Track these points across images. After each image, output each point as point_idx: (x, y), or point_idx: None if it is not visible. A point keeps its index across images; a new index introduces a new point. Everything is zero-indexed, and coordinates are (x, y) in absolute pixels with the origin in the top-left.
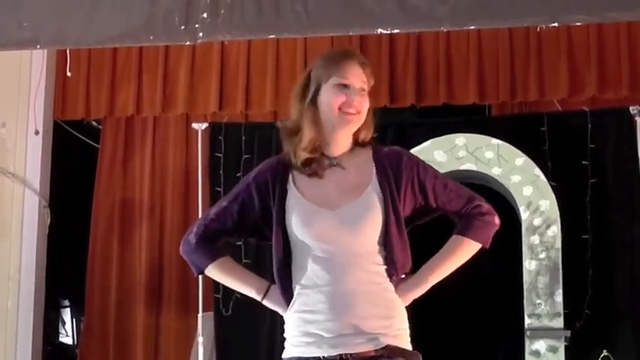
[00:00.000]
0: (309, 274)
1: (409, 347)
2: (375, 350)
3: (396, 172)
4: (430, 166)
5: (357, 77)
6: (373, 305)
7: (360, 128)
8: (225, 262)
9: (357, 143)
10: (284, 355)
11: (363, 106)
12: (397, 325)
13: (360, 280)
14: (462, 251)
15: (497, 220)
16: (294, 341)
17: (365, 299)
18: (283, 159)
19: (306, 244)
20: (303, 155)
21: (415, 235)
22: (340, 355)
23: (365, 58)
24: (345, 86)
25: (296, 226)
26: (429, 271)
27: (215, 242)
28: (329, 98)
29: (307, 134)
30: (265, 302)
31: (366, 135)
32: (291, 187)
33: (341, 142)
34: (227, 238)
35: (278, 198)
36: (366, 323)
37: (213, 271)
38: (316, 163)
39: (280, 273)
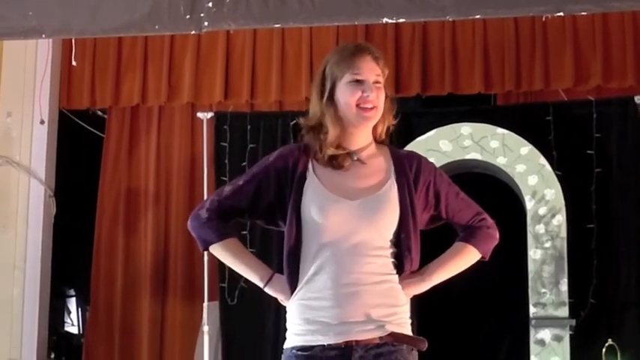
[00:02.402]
0: (318, 262)
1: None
2: (380, 338)
3: (414, 174)
4: (444, 174)
5: (371, 71)
6: (379, 295)
7: (377, 122)
8: (233, 243)
9: (375, 139)
10: (286, 345)
11: (379, 100)
12: (401, 315)
13: (368, 270)
14: (465, 258)
15: (498, 235)
16: (297, 330)
17: (371, 289)
18: (304, 147)
19: (319, 231)
20: (330, 152)
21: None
22: (345, 342)
23: (378, 50)
24: (360, 82)
25: (312, 212)
26: (434, 271)
27: (226, 220)
28: (345, 96)
29: (332, 132)
30: (267, 289)
31: (383, 128)
32: (310, 174)
33: (361, 137)
34: (238, 218)
35: (296, 183)
36: (372, 311)
37: (220, 250)
38: (341, 158)
39: (290, 258)
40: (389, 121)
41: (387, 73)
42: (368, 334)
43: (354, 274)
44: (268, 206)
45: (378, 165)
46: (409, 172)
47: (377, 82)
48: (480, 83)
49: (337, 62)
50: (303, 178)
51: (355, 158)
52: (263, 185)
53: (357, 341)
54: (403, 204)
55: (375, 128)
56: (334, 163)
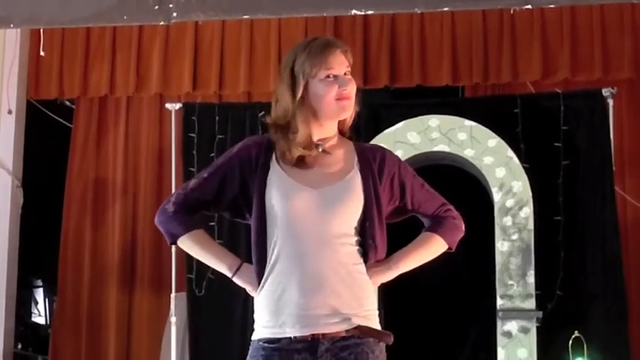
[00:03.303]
0: (283, 252)
1: (379, 328)
2: (347, 331)
3: (378, 166)
4: (409, 166)
5: (341, 64)
6: (344, 285)
7: None
8: (200, 235)
9: (340, 129)
10: (253, 337)
11: (352, 92)
12: (367, 306)
13: (333, 259)
14: (431, 248)
15: (463, 227)
16: (264, 322)
17: (336, 279)
18: (268, 138)
19: (283, 221)
20: (299, 152)
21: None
22: (312, 335)
23: (344, 43)
24: (335, 77)
25: (276, 201)
26: (400, 259)
27: (192, 213)
28: (322, 93)
29: (302, 131)
30: (235, 279)
31: (350, 117)
32: (274, 163)
33: (328, 128)
34: (204, 211)
35: (260, 173)
36: (338, 303)
37: (187, 242)
38: (309, 158)
39: (256, 248)
40: (355, 109)
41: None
42: (334, 327)
43: (320, 264)
44: (233, 198)
45: (342, 155)
46: (373, 163)
47: (347, 73)
48: (448, 75)
49: (308, 59)
50: (266, 168)
51: (320, 149)
52: (228, 177)
53: (323, 334)
54: (367, 193)
55: (342, 120)
56: (301, 164)
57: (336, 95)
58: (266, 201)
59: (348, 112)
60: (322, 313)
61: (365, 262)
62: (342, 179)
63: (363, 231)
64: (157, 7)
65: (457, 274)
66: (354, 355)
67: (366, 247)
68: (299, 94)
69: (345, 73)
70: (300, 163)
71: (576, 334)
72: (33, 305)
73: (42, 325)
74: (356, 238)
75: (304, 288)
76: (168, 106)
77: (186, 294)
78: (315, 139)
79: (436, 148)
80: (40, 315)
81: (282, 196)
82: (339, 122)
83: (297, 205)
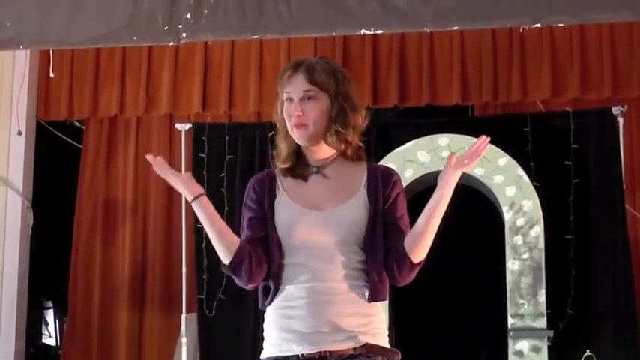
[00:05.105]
0: (292, 272)
1: (388, 346)
2: (354, 348)
3: (389, 189)
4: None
5: (297, 86)
6: (353, 304)
7: (324, 134)
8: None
9: (343, 154)
10: (262, 355)
11: (308, 114)
12: (376, 324)
13: (341, 279)
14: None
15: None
16: (272, 339)
17: (345, 297)
18: (268, 171)
19: (290, 243)
20: (282, 166)
21: None
22: (319, 352)
23: (312, 61)
24: (289, 99)
25: (283, 225)
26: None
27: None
28: (284, 115)
29: (280, 146)
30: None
31: (332, 136)
32: (280, 191)
33: (316, 151)
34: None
35: (268, 202)
36: (346, 321)
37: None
38: (300, 168)
39: (274, 271)
40: (340, 126)
41: (327, 86)
42: (342, 344)
43: (328, 283)
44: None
45: (347, 177)
46: (381, 186)
47: (304, 97)
48: (457, 94)
49: (278, 82)
50: (273, 196)
51: (315, 171)
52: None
53: (330, 352)
54: (371, 215)
55: (325, 139)
56: (293, 174)
57: (288, 119)
58: (276, 225)
59: (305, 136)
60: (330, 331)
61: (368, 281)
62: (346, 202)
63: (367, 251)
64: (166, 27)
65: (468, 293)
66: None
67: (370, 268)
68: (279, 113)
69: (304, 97)
70: (296, 177)
71: (588, 352)
72: (43, 326)
73: (52, 347)
74: (361, 258)
75: (312, 307)
76: (178, 126)
77: (196, 314)
78: (310, 159)
79: None
80: (50, 336)
81: (289, 220)
82: (337, 144)
83: (303, 228)
